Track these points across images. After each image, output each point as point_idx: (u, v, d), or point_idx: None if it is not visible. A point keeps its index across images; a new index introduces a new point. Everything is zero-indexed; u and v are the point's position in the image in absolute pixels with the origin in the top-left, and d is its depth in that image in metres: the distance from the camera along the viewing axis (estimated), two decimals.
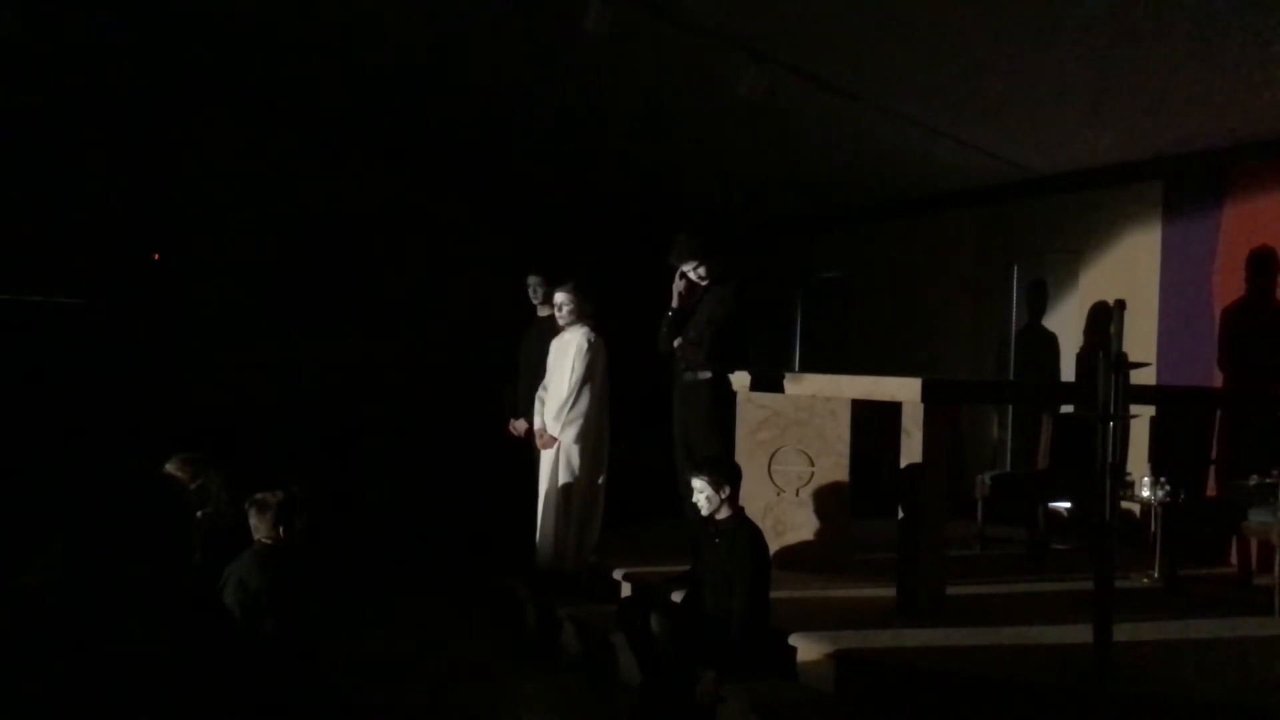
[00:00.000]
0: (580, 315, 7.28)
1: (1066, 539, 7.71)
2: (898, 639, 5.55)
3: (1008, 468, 8.70)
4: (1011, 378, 9.17)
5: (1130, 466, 6.77)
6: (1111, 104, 7.17)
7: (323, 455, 9.72)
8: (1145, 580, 6.78)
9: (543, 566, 7.31)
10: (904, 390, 5.96)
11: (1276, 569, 6.04)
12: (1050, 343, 8.90)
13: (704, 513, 5.68)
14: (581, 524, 7.29)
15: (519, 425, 7.87)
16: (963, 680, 5.10)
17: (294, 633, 4.88)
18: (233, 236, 10.55)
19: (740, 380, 6.81)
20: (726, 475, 5.69)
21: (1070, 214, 8.67)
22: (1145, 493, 6.68)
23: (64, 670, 2.35)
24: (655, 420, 7.40)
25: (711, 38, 7.20)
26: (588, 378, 7.21)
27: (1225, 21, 5.88)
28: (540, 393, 7.48)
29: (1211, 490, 7.29)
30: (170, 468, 5.31)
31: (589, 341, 7.22)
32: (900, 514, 5.99)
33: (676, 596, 6.14)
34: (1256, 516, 6.29)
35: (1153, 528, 6.90)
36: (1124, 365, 4.72)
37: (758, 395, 6.89)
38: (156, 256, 10.32)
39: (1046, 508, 7.50)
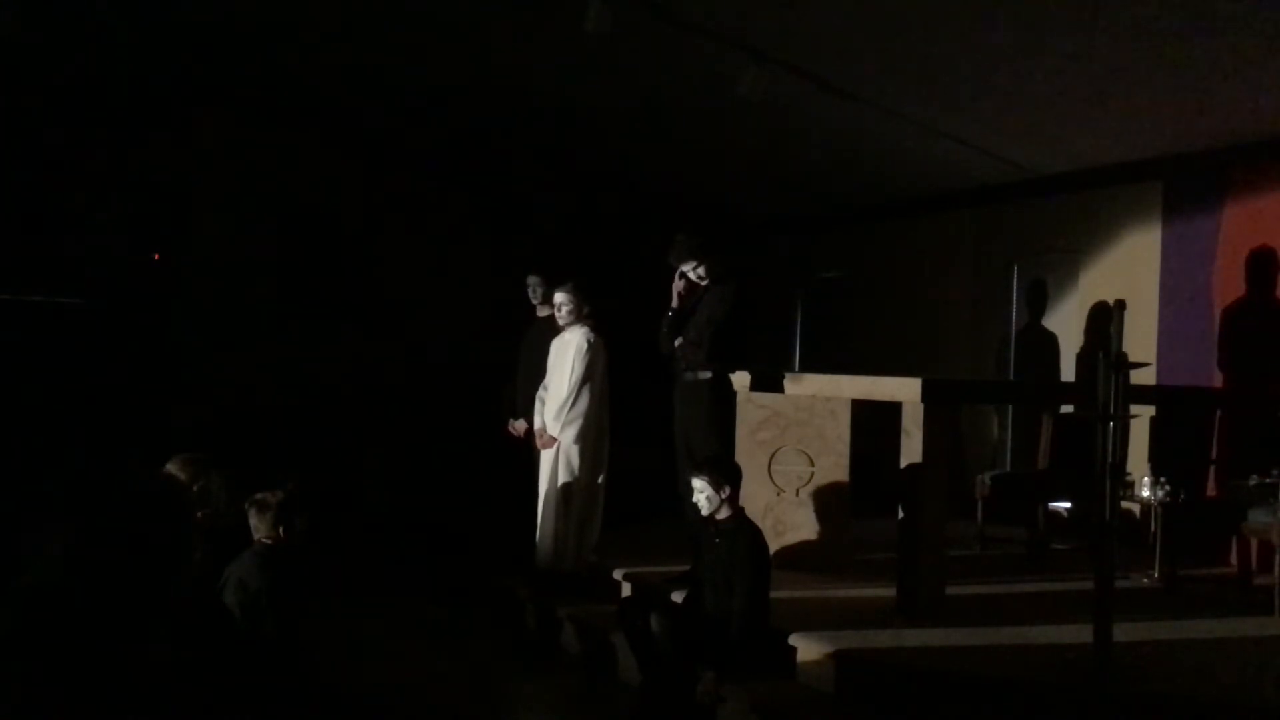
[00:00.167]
0: (580, 315, 7.28)
1: (1066, 539, 7.71)
2: (898, 639, 5.55)
3: (1008, 468, 8.70)
4: (1011, 378, 9.17)
5: (1130, 466, 6.76)
6: (1111, 104, 7.17)
7: (323, 455, 9.72)
8: (1145, 580, 6.78)
9: (543, 566, 7.31)
10: (904, 390, 5.96)
11: (1276, 569, 6.04)
12: (1050, 343, 8.90)
13: (704, 513, 5.68)
14: (581, 524, 7.29)
15: (518, 425, 7.87)
16: (963, 680, 5.10)
17: (294, 633, 4.88)
18: (233, 236, 10.55)
19: (740, 380, 6.81)
20: (726, 475, 5.69)
21: (1070, 214, 8.67)
22: (1145, 493, 6.68)
23: (64, 670, 2.35)
24: (655, 420, 7.40)
25: (711, 38, 7.20)
26: (587, 378, 7.21)
27: (1225, 21, 5.88)
28: (540, 393, 7.49)
29: (1211, 490, 7.29)
30: (171, 468, 5.31)
31: (589, 341, 7.23)
32: (900, 514, 5.99)
33: (676, 596, 6.14)
34: (1256, 516, 6.29)
35: (1153, 528, 6.90)
36: (1124, 365, 4.72)
37: (758, 395, 6.89)
38: (156, 256, 10.32)
39: (1046, 508, 7.50)
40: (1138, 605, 6.05)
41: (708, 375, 6.70)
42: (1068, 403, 7.88)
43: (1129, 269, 8.16)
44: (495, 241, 11.29)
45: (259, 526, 4.99)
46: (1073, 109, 7.34)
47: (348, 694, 5.38)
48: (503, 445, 8.12)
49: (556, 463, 7.25)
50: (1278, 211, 7.29)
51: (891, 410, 6.06)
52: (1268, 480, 6.08)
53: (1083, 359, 8.36)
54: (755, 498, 6.61)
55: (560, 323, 7.33)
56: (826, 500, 6.84)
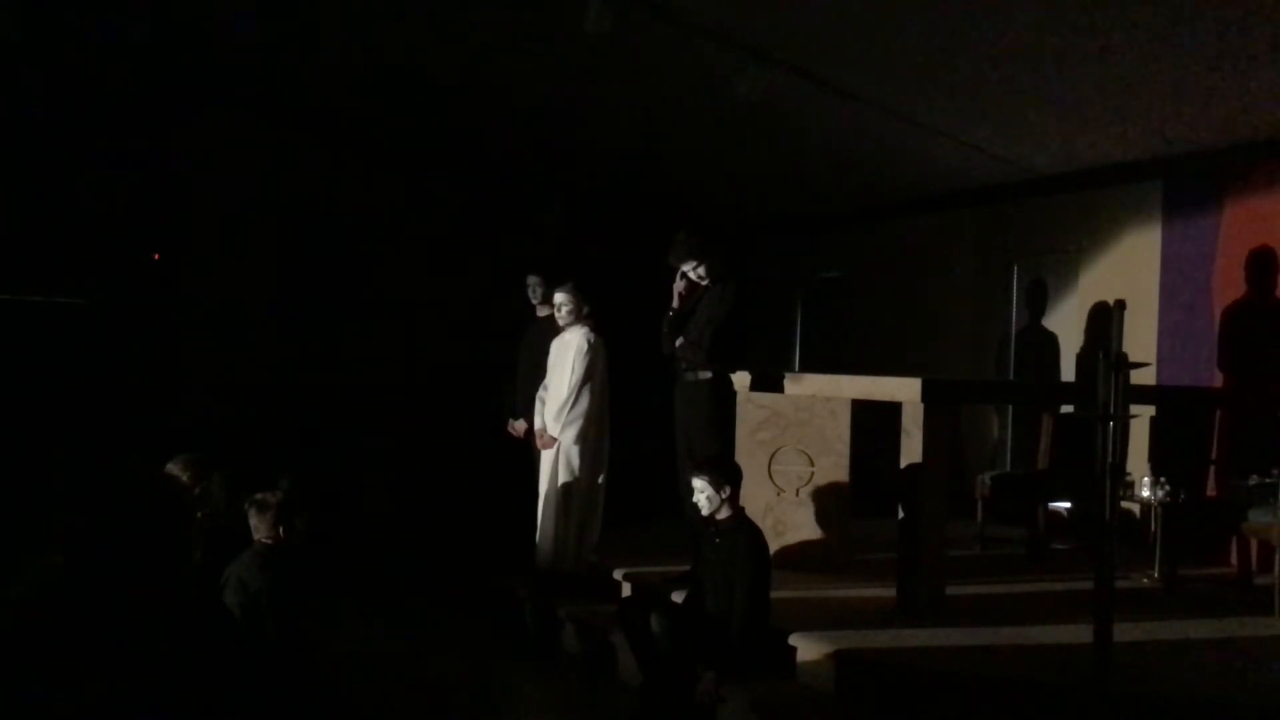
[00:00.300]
0: (580, 315, 7.28)
1: (1066, 539, 7.71)
2: (898, 639, 5.55)
3: (1008, 468, 8.70)
4: (1011, 378, 9.17)
5: (1130, 466, 6.77)
6: (1111, 104, 7.16)
7: (323, 455, 9.72)
8: (1145, 580, 6.78)
9: (543, 566, 7.31)
10: (904, 390, 5.96)
11: (1276, 569, 6.04)
12: (1050, 343, 8.90)
13: (704, 513, 5.68)
14: (581, 524, 7.29)
15: (518, 425, 7.87)
16: (963, 680, 5.10)
17: (294, 633, 4.88)
18: (233, 236, 10.55)
19: (740, 380, 6.81)
20: (727, 475, 5.69)
21: (1070, 214, 8.67)
22: (1145, 493, 6.67)
23: (64, 670, 2.35)
24: (655, 420, 7.40)
25: (711, 38, 7.20)
26: (588, 378, 7.21)
27: (1226, 22, 5.88)
28: (540, 393, 7.49)
29: (1211, 490, 7.29)
30: (172, 469, 5.32)
31: (589, 342, 7.23)
32: (900, 514, 5.99)
33: (676, 596, 6.14)
34: (1256, 516, 6.29)
35: (1153, 528, 6.90)
36: (1124, 365, 4.72)
37: (758, 395, 6.89)
38: (156, 256, 10.32)
39: (1046, 508, 7.50)
40: (1138, 605, 6.06)
41: (708, 375, 6.71)
42: (1068, 403, 7.88)
43: (1129, 269, 8.16)
44: (495, 241, 11.29)
45: (259, 526, 4.99)
46: (1073, 109, 7.34)
47: (348, 694, 5.37)
48: (503, 445, 8.12)
49: (556, 463, 7.26)
50: (1278, 211, 7.29)
51: (891, 410, 6.06)
52: (1268, 480, 6.08)
53: (1083, 359, 8.36)
54: (755, 498, 6.61)
55: (560, 323, 7.33)
56: (826, 500, 6.84)
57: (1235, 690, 4.97)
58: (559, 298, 7.30)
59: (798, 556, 6.80)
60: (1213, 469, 7.31)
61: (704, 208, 10.49)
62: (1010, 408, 9.12)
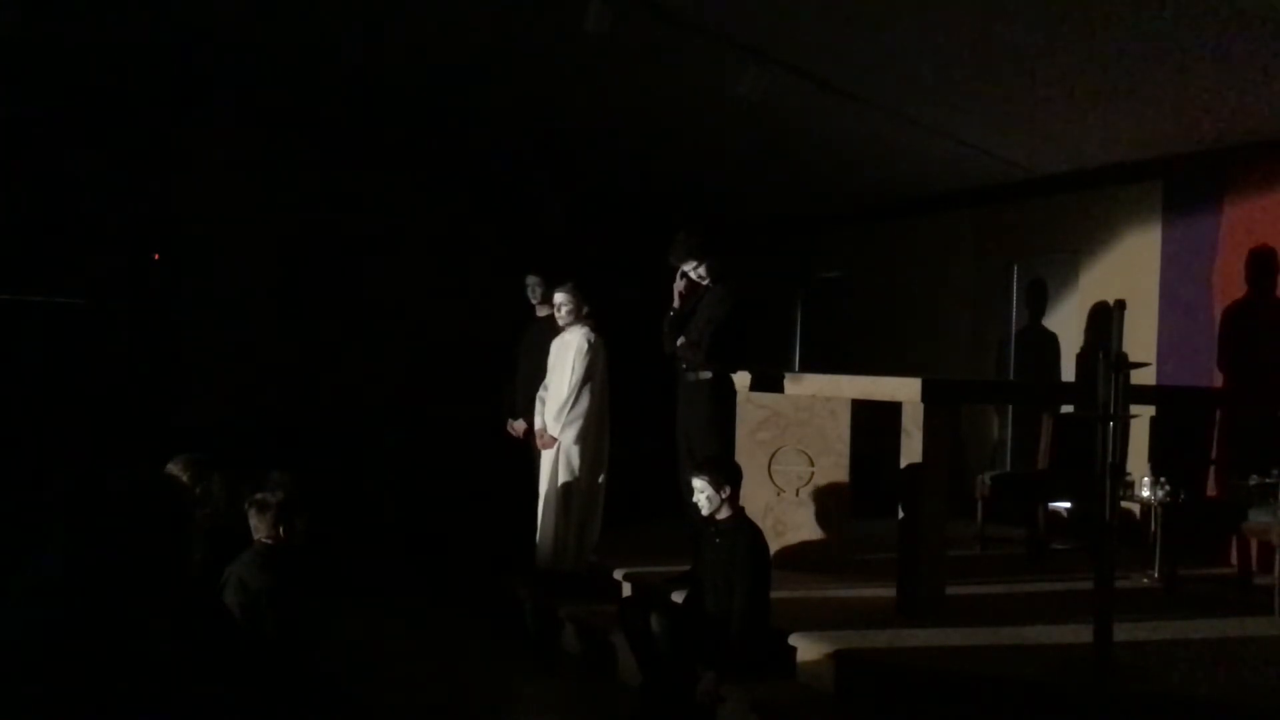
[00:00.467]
0: (579, 315, 7.28)
1: (1066, 539, 7.71)
2: (898, 639, 5.55)
3: (1008, 468, 8.70)
4: (1011, 378, 9.17)
5: (1130, 466, 6.77)
6: (1111, 104, 7.17)
7: (323, 455, 9.71)
8: (1145, 580, 6.78)
9: (543, 566, 7.31)
10: (904, 390, 5.96)
11: (1276, 569, 6.04)
12: (1050, 343, 8.90)
13: (704, 513, 5.68)
14: (581, 524, 7.29)
15: (517, 426, 7.88)
16: (963, 680, 5.10)
17: (294, 633, 4.88)
18: (233, 236, 10.54)
19: (740, 380, 6.81)
20: (727, 475, 5.69)
21: (1070, 214, 8.67)
22: (1145, 493, 6.67)
23: (65, 670, 2.35)
24: (655, 420, 7.40)
25: (711, 38, 7.20)
26: (588, 378, 7.21)
27: (1225, 21, 5.88)
28: (541, 393, 7.49)
29: (1211, 490, 7.29)
30: (172, 469, 5.33)
31: (589, 342, 7.23)
32: (900, 514, 5.99)
33: (676, 596, 6.14)
34: (1256, 516, 6.29)
35: (1153, 528, 6.90)
36: (1124, 365, 4.72)
37: (758, 395, 6.89)
38: (156, 256, 10.32)
39: (1046, 508, 7.50)
40: (1138, 605, 6.06)
41: (708, 375, 6.71)
42: (1068, 403, 7.88)
43: (1129, 269, 8.16)
44: (495, 241, 11.29)
45: (259, 526, 4.99)
46: (1073, 109, 7.34)
47: (348, 694, 5.37)
48: (503, 445, 8.12)
49: (557, 463, 7.26)
50: (1278, 211, 7.29)
51: (891, 410, 6.06)
52: (1268, 480, 6.08)
53: (1083, 359, 8.36)
54: (755, 498, 6.61)
55: (560, 323, 7.33)
56: (826, 500, 6.85)
57: (1235, 690, 4.96)
58: (559, 298, 7.30)
59: (798, 556, 6.80)
60: (1213, 469, 7.31)
61: (704, 208, 10.48)
62: (1010, 408, 9.12)
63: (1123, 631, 4.94)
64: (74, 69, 9.43)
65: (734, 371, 6.77)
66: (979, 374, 9.31)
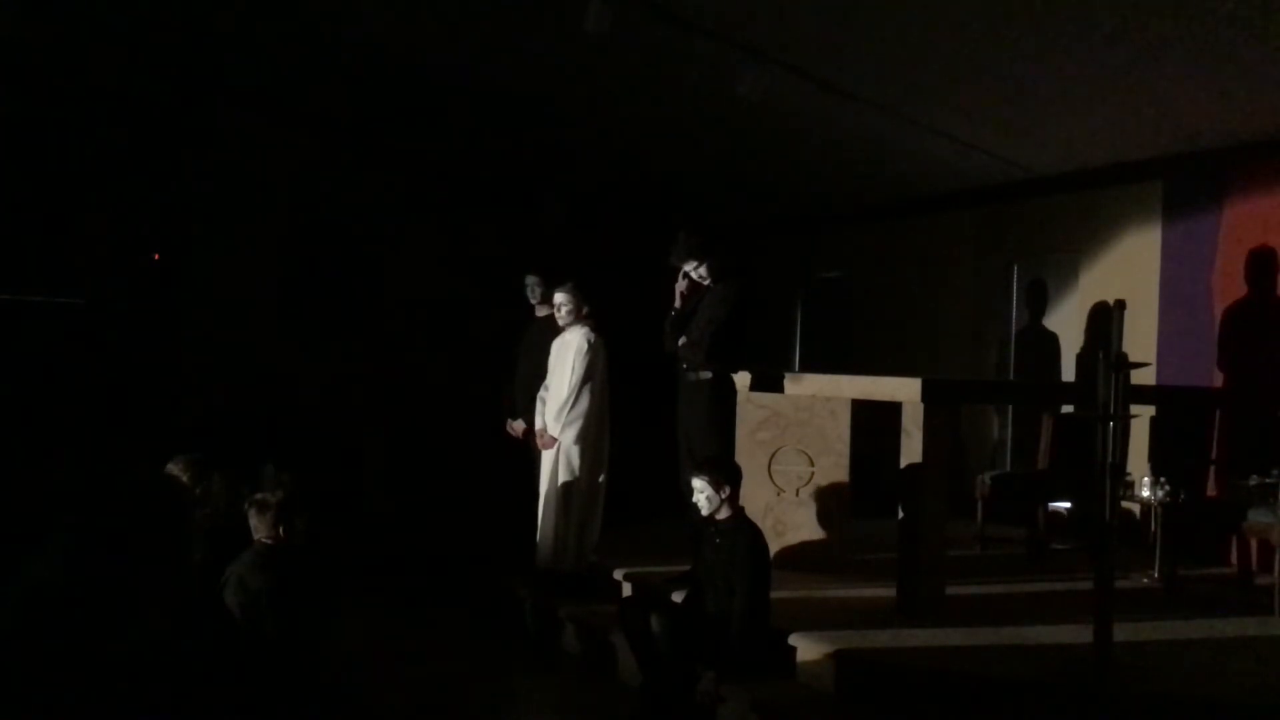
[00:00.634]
0: (580, 315, 7.28)
1: (1066, 539, 7.71)
2: (898, 639, 5.55)
3: (1008, 468, 8.70)
4: (1011, 378, 9.17)
5: (1130, 466, 6.76)
6: (1112, 104, 7.17)
7: (323, 455, 9.71)
8: (1145, 580, 6.77)
9: (543, 566, 7.31)
10: (904, 390, 5.96)
11: (1276, 569, 6.04)
12: (1050, 343, 8.90)
13: (704, 513, 5.68)
14: (581, 524, 7.29)
15: (517, 425, 7.87)
16: (963, 680, 5.10)
17: (294, 633, 4.89)
18: (233, 236, 10.56)
19: (740, 380, 6.81)
20: (726, 475, 5.69)
21: (1070, 214, 8.67)
22: (1145, 493, 6.67)
23: (64, 670, 2.35)
24: (655, 420, 7.40)
25: (711, 38, 7.20)
26: (588, 378, 7.21)
27: (1225, 22, 5.88)
28: (541, 393, 7.49)
29: (1211, 490, 7.29)
30: (172, 469, 5.33)
31: (589, 342, 7.23)
32: (900, 514, 5.99)
33: (676, 596, 6.14)
34: (1256, 516, 6.29)
35: (1153, 528, 6.90)
36: (1124, 365, 4.72)
37: (758, 395, 6.89)
38: (156, 256, 10.32)
39: (1046, 508, 7.50)
40: (1138, 605, 6.05)
41: (708, 375, 6.70)
42: (1068, 403, 7.87)
43: (1129, 269, 8.16)
44: (495, 241, 11.29)
45: (259, 526, 4.99)
46: (1073, 109, 7.34)
47: (348, 694, 5.37)
48: (503, 445, 8.12)
49: (557, 463, 7.26)
50: (1278, 211, 7.29)
51: (891, 410, 6.06)
52: (1268, 480, 6.08)
53: (1083, 359, 8.36)
54: (755, 498, 6.61)
55: (560, 323, 7.33)
56: (826, 500, 6.84)
57: (1235, 690, 4.96)
58: (559, 298, 7.30)
59: (798, 556, 6.80)
60: (1213, 469, 7.31)
61: (704, 208, 10.49)
62: (1010, 408, 9.12)
63: (1123, 631, 4.93)
64: (74, 69, 9.43)
65: (734, 371, 6.77)
66: (979, 374, 9.31)
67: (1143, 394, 6.33)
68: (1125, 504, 6.67)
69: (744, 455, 6.72)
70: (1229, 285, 7.54)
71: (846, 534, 6.96)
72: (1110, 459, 4.73)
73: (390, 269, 11.20)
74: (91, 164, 9.86)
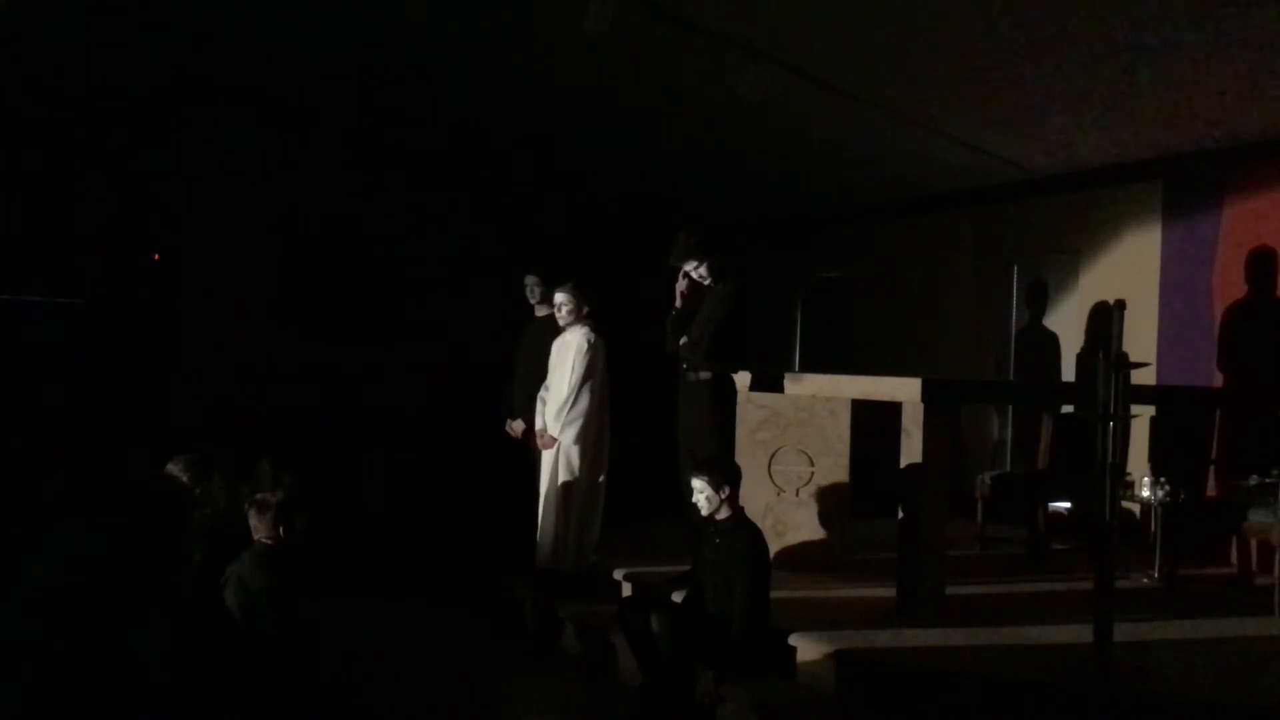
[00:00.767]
0: (580, 315, 7.28)
1: (1066, 539, 7.71)
2: (898, 639, 5.55)
3: (1008, 468, 8.70)
4: (1011, 378, 9.17)
5: (1130, 466, 6.76)
6: (1111, 104, 7.17)
7: (323, 455, 9.71)
8: (1145, 580, 6.78)
9: (543, 566, 7.31)
10: (904, 390, 5.96)
11: (1276, 569, 6.04)
12: (1050, 343, 8.90)
13: (704, 513, 5.68)
14: (581, 524, 7.29)
15: (516, 425, 7.87)
16: (963, 680, 5.10)
17: (294, 633, 4.89)
18: (233, 236, 10.56)
19: (740, 380, 6.81)
20: (726, 475, 5.69)
21: (1070, 214, 8.67)
22: (1145, 493, 6.67)
23: (64, 670, 2.35)
24: (655, 420, 7.40)
25: (711, 38, 7.20)
26: (588, 378, 7.21)
27: (1226, 22, 5.88)
28: (541, 393, 7.49)
29: (1211, 490, 7.28)
30: (172, 469, 5.33)
31: (589, 342, 7.23)
32: (900, 514, 5.99)
33: (676, 596, 6.14)
34: (1256, 516, 6.29)
35: (1153, 528, 6.90)
36: (1124, 365, 4.72)
37: (758, 395, 6.89)
38: (156, 256, 10.32)
39: (1046, 508, 7.50)
40: (1138, 605, 6.05)
41: (708, 375, 6.70)
42: (1068, 403, 7.87)
43: (1129, 269, 8.16)
44: (495, 241, 11.29)
45: (259, 526, 4.99)
46: (1073, 109, 7.34)
47: (347, 694, 5.37)
48: (503, 445, 8.12)
49: (557, 463, 7.26)
50: (1278, 211, 7.29)
51: (891, 410, 6.06)
52: (1268, 480, 6.08)
53: (1083, 359, 8.35)
54: (755, 498, 6.61)
55: (560, 323, 7.33)
56: (826, 500, 6.84)
57: (1235, 690, 4.96)
58: (559, 298, 7.30)
59: (798, 556, 6.80)
60: (1213, 469, 7.31)
61: (704, 208, 10.49)
62: (1010, 408, 9.12)
63: (1123, 631, 4.93)
64: (74, 69, 9.43)
65: (734, 371, 6.77)
66: (979, 374, 9.31)
67: (1143, 394, 6.32)
68: (1125, 504, 6.67)
69: (744, 455, 6.72)
70: (1229, 285, 7.54)
71: (846, 534, 6.96)
72: (1110, 459, 4.73)
73: (389, 269, 11.19)
74: (91, 164, 9.86)
